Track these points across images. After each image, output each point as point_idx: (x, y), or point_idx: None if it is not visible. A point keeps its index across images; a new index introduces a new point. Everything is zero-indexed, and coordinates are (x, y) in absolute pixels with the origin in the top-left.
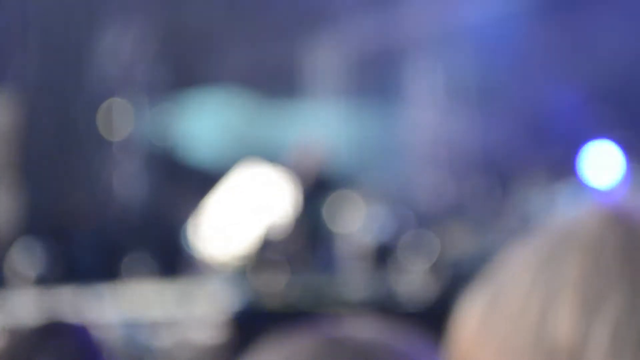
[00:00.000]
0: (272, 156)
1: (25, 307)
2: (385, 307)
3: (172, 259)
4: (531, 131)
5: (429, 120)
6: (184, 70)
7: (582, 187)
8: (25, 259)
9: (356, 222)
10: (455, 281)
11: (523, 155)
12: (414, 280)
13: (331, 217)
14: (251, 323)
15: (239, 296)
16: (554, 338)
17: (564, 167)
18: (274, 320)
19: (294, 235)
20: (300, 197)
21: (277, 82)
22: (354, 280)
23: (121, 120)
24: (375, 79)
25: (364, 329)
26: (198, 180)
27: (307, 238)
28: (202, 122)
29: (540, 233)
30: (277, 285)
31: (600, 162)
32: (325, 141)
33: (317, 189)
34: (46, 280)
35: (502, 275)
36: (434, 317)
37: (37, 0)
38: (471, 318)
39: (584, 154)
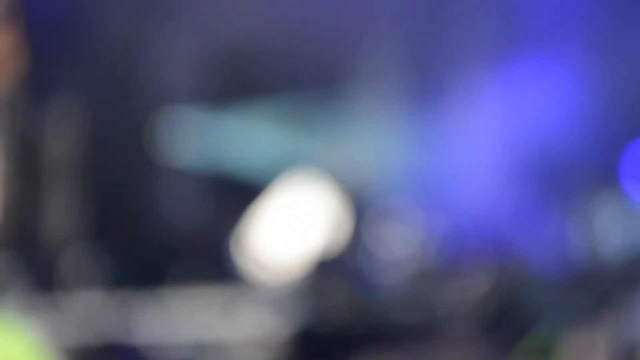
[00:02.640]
0: (320, 170)
1: (76, 312)
2: (437, 331)
3: (224, 278)
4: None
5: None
6: (233, 82)
7: (630, 197)
8: (80, 266)
9: (403, 238)
10: (512, 300)
11: (574, 164)
12: (470, 300)
13: (381, 233)
14: (305, 345)
15: (292, 317)
16: None
17: (611, 176)
18: (329, 341)
19: (348, 254)
20: (351, 217)
21: (325, 94)
22: (406, 303)
23: (175, 129)
24: (429, 89)
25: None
26: (249, 195)
27: (359, 256)
28: (252, 134)
29: None
30: (332, 305)
31: None
32: (372, 158)
33: (366, 208)
34: (98, 285)
35: None
36: (486, 341)
37: (91, 12)
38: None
39: (629, 160)
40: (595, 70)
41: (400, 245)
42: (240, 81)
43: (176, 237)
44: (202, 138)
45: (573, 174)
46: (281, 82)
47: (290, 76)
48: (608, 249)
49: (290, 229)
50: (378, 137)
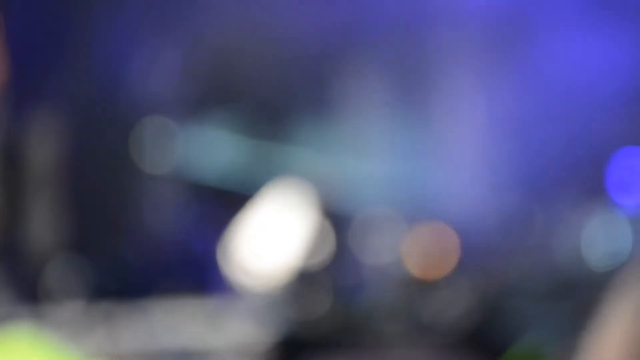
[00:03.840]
0: (306, 177)
1: (63, 324)
2: (424, 336)
3: (208, 284)
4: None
5: (468, 139)
6: (220, 89)
7: (615, 205)
8: (63, 277)
9: (390, 245)
10: (490, 300)
11: (559, 174)
12: (454, 308)
13: (365, 242)
14: (288, 352)
15: (275, 324)
16: None
17: (596, 185)
18: (312, 349)
19: (332, 263)
20: (334, 226)
21: (310, 100)
22: (391, 309)
23: (158, 138)
24: (412, 96)
25: None
26: (233, 204)
27: (342, 263)
28: (235, 142)
29: None
30: (315, 313)
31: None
32: (356, 166)
33: (349, 217)
34: (82, 297)
35: None
36: (475, 346)
37: (77, 21)
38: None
39: (615, 169)
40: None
41: (385, 253)
42: (222, 91)
43: (159, 247)
44: (184, 148)
45: (558, 182)
46: (264, 92)
47: (274, 86)
48: (594, 257)
49: (274, 237)
50: (362, 146)
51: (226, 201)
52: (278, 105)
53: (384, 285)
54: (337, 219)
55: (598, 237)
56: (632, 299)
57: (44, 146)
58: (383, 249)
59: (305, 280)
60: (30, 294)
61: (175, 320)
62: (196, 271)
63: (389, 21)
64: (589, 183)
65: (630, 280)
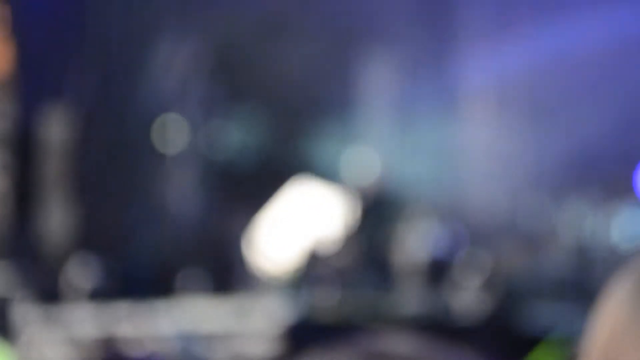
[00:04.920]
0: (326, 170)
1: (80, 321)
2: (438, 323)
3: (227, 273)
4: (590, 144)
5: (483, 134)
6: (238, 84)
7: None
8: (81, 273)
9: (411, 238)
10: (508, 298)
11: (578, 171)
12: (467, 296)
13: (386, 233)
14: (304, 337)
15: (293, 310)
16: None
17: (621, 185)
18: (327, 334)
19: (347, 250)
20: (356, 213)
21: (327, 95)
22: (407, 296)
23: (176, 134)
24: (428, 92)
25: (406, 344)
26: (252, 195)
27: (361, 254)
28: (257, 136)
29: None
30: (330, 300)
31: None
32: (379, 157)
33: (374, 205)
34: (101, 294)
35: None
36: (487, 334)
37: (93, 14)
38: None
39: None
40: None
41: (411, 238)
42: (245, 82)
43: (184, 237)
44: (203, 142)
45: (583, 177)
46: (289, 85)
47: (299, 79)
48: (619, 252)
49: (296, 227)
50: (388, 142)
51: (251, 193)
52: (303, 99)
53: (404, 273)
54: (362, 211)
55: (624, 232)
56: (620, 290)
57: (59, 140)
58: (404, 238)
59: (320, 268)
60: (47, 294)
61: (199, 311)
62: (218, 261)
63: (411, 10)
64: (614, 178)
65: (621, 273)
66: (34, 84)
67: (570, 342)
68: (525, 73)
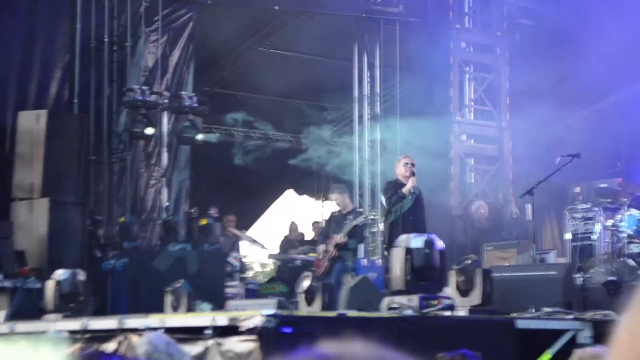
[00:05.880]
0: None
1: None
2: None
3: (206, 268)
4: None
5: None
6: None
7: None
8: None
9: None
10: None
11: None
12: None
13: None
14: (279, 332)
15: (266, 305)
16: None
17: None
18: (303, 327)
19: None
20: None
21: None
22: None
23: (150, 127)
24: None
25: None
26: (238, 191)
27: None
28: (239, 132)
29: None
30: (301, 295)
31: None
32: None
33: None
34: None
35: None
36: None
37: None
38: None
39: None
40: None
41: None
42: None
43: (168, 232)
44: (185, 134)
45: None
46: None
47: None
48: None
49: (276, 227)
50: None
51: (237, 189)
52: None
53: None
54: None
55: None
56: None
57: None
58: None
59: (294, 266)
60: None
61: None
62: (199, 255)
63: None
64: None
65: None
66: None
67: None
68: None
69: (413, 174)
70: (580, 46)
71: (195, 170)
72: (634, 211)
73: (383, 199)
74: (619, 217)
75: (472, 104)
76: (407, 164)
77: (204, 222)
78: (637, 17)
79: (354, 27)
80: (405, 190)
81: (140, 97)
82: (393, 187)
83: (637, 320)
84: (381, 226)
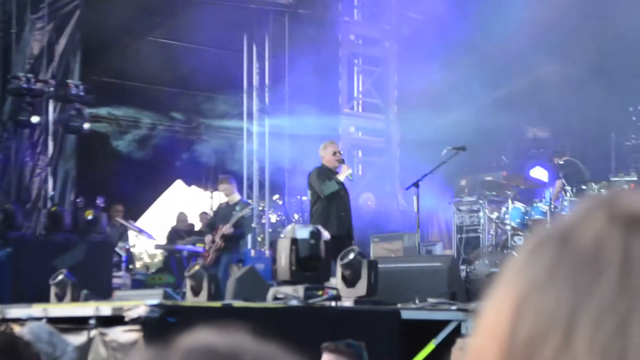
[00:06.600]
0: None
1: None
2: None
3: (100, 259)
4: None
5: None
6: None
7: None
8: None
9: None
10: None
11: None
12: None
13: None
14: (163, 321)
15: (152, 295)
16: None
17: None
18: (187, 318)
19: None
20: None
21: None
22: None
23: (35, 115)
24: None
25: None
26: (126, 181)
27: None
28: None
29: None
30: (195, 285)
31: None
32: None
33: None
34: None
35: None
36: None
37: None
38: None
39: None
40: None
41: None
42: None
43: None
44: (76, 122)
45: None
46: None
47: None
48: None
49: (167, 217)
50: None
51: (131, 174)
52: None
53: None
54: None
55: None
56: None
57: None
58: None
59: (181, 253)
60: None
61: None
62: (94, 246)
63: None
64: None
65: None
66: None
67: None
68: None
69: (343, 160)
70: (468, 41)
71: (81, 160)
72: (518, 204)
73: (316, 186)
74: (503, 209)
75: (361, 96)
76: (336, 152)
77: (88, 214)
78: (519, 14)
79: (244, 18)
80: (341, 176)
81: (25, 85)
82: (326, 174)
83: (497, 306)
84: (272, 217)
